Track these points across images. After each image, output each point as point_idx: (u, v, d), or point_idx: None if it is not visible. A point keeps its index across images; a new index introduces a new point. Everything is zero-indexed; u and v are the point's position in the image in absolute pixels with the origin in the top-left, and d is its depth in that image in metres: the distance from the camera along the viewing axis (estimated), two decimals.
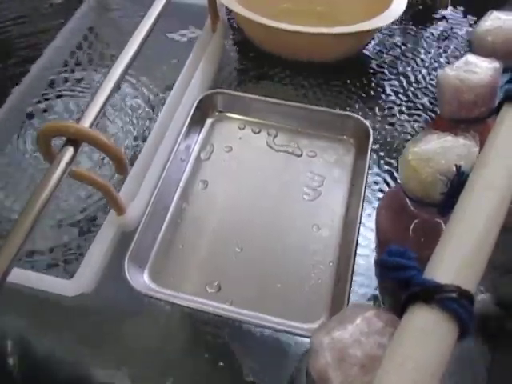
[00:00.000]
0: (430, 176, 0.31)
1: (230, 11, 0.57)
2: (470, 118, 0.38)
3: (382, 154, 0.49)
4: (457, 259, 0.20)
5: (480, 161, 0.23)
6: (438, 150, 0.32)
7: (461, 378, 0.37)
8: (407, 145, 0.34)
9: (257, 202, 0.46)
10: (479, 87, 0.36)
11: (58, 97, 0.56)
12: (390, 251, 0.21)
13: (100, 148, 0.34)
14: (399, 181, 0.34)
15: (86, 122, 0.34)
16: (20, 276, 0.39)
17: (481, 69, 0.37)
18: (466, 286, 0.19)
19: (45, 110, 0.54)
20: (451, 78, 0.37)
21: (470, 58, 0.38)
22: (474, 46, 0.43)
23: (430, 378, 0.17)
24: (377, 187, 0.46)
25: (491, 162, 0.23)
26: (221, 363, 0.38)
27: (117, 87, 0.37)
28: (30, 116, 0.53)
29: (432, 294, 0.19)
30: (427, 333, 0.18)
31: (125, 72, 0.38)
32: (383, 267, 0.21)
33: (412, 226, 0.36)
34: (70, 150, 0.33)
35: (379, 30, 0.59)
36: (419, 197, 0.33)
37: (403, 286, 0.20)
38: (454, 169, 0.30)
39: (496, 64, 0.37)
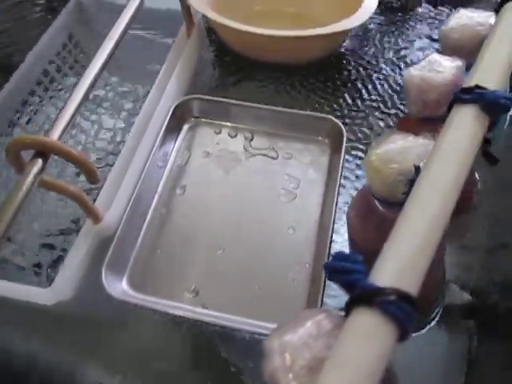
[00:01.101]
0: (392, 176, 0.32)
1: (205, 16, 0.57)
2: (436, 116, 0.38)
3: (356, 154, 0.49)
4: (398, 262, 0.20)
5: (426, 164, 0.24)
6: (399, 150, 0.32)
7: (441, 370, 0.38)
8: (371, 146, 0.34)
9: (234, 205, 0.47)
10: (442, 86, 0.37)
11: (40, 104, 0.56)
12: (337, 255, 0.21)
13: (68, 159, 0.35)
14: None
15: (55, 134, 0.35)
16: None
17: (444, 68, 0.37)
18: (406, 288, 0.19)
19: (26, 119, 0.54)
20: (415, 78, 0.38)
21: (435, 57, 0.39)
22: (441, 44, 0.44)
23: (368, 378, 0.18)
24: (351, 187, 0.47)
25: (436, 165, 0.23)
26: (201, 367, 0.39)
27: (86, 98, 0.38)
28: (11, 125, 0.54)
29: (372, 297, 0.19)
30: (367, 335, 0.19)
31: (94, 82, 0.39)
32: (330, 271, 0.21)
33: (380, 226, 0.36)
34: (39, 162, 0.34)
35: (352, 29, 0.60)
36: (384, 196, 0.33)
37: (349, 289, 0.21)
38: (413, 169, 0.30)
39: (459, 63, 0.37)
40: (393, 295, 0.19)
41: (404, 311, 0.19)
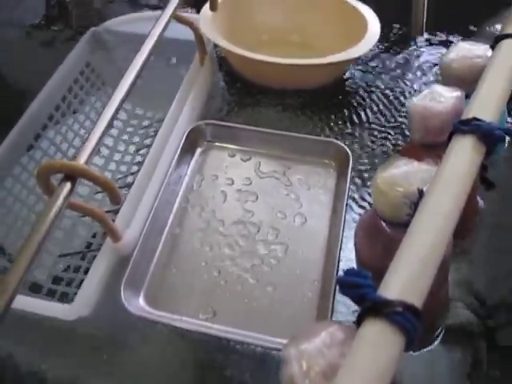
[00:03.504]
0: (396, 199, 0.34)
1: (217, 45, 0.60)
2: (438, 142, 0.41)
3: (361, 176, 0.51)
4: (404, 277, 0.22)
5: (430, 188, 0.26)
6: (404, 174, 0.35)
7: None
8: (378, 170, 0.37)
9: (245, 226, 0.49)
10: (443, 114, 0.39)
11: (57, 130, 0.59)
12: (348, 271, 0.24)
13: (94, 182, 0.37)
14: None
15: (82, 159, 0.37)
16: (20, 301, 0.41)
17: (444, 98, 0.40)
18: (412, 301, 0.22)
19: (45, 143, 0.57)
20: (418, 107, 0.40)
21: (435, 87, 0.41)
22: (442, 72, 0.47)
23: (379, 382, 0.20)
24: (357, 208, 0.49)
25: (439, 189, 0.25)
26: (215, 381, 0.41)
27: (110, 125, 0.40)
28: (31, 149, 0.56)
29: (381, 309, 0.21)
30: (376, 344, 0.21)
31: (117, 110, 0.41)
32: (342, 285, 0.23)
33: (387, 245, 0.38)
34: (68, 185, 0.36)
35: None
36: (389, 217, 0.36)
37: (360, 302, 0.23)
38: (417, 192, 0.33)
39: (458, 93, 0.40)
40: (399, 307, 0.21)
41: (409, 321, 0.21)
